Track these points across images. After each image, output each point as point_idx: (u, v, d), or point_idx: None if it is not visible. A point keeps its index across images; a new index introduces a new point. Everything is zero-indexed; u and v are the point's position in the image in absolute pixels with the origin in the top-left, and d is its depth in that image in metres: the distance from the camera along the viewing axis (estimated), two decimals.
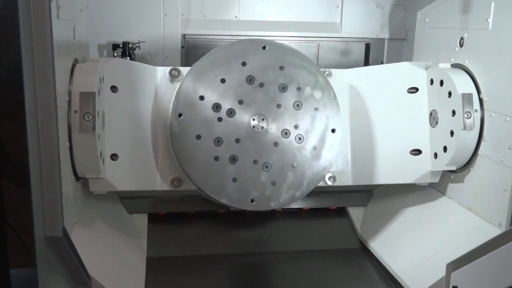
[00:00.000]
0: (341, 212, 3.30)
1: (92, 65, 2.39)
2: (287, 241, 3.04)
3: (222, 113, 2.56)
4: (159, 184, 2.66)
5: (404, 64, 2.91)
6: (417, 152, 2.80)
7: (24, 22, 1.53)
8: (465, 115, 2.49)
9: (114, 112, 2.56)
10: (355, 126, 2.86)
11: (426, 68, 2.84)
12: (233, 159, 2.56)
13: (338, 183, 2.81)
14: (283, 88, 2.62)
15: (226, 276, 2.77)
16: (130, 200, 3.04)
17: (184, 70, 2.66)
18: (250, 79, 2.60)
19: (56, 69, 1.68)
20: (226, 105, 2.57)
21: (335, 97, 2.66)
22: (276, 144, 2.60)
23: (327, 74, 2.82)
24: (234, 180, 2.55)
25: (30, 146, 1.59)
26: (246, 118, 2.59)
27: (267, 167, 2.58)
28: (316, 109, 2.64)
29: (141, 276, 2.54)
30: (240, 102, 2.58)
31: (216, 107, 2.56)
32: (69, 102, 2.23)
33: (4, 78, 1.51)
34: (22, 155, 1.56)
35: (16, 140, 1.56)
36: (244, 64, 2.60)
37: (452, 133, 2.57)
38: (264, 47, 2.64)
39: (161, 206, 3.14)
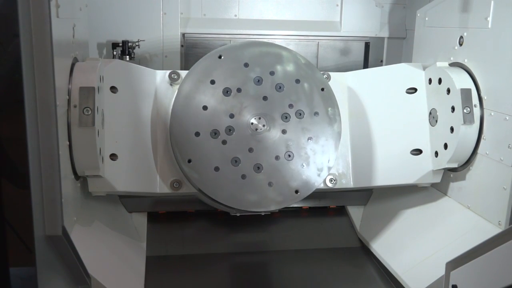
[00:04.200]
0: (341, 211, 3.30)
1: (92, 63, 2.39)
2: (287, 240, 3.04)
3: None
4: (159, 186, 2.65)
5: (402, 65, 2.91)
6: (417, 152, 2.79)
7: (24, 21, 1.52)
8: (465, 110, 2.49)
9: (114, 112, 2.55)
10: (355, 128, 2.86)
11: (424, 68, 2.84)
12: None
13: (339, 185, 2.81)
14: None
15: (225, 275, 2.77)
16: (129, 199, 3.04)
17: (183, 73, 2.67)
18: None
19: (55, 67, 1.68)
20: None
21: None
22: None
23: (325, 77, 2.84)
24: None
25: (30, 144, 1.58)
26: (246, 119, 2.59)
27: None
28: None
29: (140, 275, 2.53)
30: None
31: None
32: (69, 100, 2.23)
33: (4, 77, 1.51)
34: (22, 154, 1.55)
35: (16, 139, 1.56)
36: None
37: (452, 129, 2.57)
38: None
39: (161, 205, 3.14)
